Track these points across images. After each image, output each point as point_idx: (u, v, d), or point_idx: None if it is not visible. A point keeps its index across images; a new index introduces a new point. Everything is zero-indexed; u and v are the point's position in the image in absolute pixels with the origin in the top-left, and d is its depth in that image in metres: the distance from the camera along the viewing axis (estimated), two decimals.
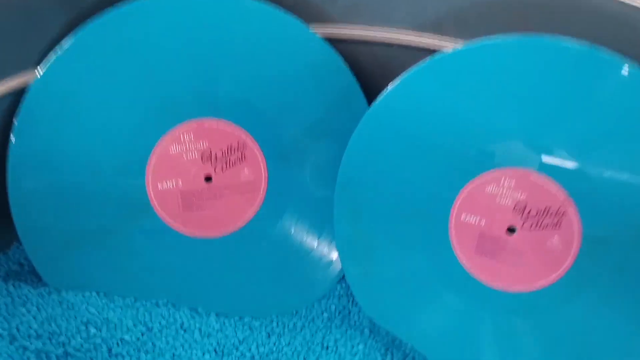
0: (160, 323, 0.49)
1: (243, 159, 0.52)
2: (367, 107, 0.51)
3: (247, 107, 0.51)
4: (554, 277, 0.47)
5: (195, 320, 0.50)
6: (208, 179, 0.52)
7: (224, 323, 0.51)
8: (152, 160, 0.50)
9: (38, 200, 0.49)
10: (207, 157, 0.51)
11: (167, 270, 0.52)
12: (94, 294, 0.50)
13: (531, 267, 0.47)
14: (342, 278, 0.56)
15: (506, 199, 0.47)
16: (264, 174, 0.52)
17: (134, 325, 0.48)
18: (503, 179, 0.47)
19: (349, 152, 0.50)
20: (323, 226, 0.54)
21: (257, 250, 0.53)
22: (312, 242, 0.54)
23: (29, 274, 0.53)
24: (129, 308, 0.49)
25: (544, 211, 0.46)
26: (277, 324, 0.52)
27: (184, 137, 0.50)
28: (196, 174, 0.51)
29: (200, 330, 0.49)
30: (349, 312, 0.54)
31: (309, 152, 0.53)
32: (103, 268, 0.51)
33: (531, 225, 0.47)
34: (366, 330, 0.52)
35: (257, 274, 0.54)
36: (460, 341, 0.50)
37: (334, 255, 0.55)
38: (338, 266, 0.55)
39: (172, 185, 0.51)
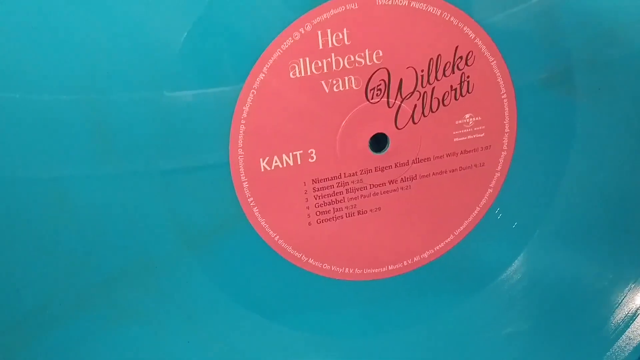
0: None
1: (464, 90, 0.21)
2: None
3: None
4: None
5: None
6: (378, 142, 0.21)
7: None
8: (247, 101, 0.20)
9: None
10: (378, 87, 0.20)
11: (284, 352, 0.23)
12: None
13: None
14: None
15: None
16: (508, 124, 0.22)
17: None
18: None
19: None
20: (627, 238, 0.24)
21: (467, 303, 0.24)
22: (598, 276, 0.24)
23: None
24: None
25: None
26: None
27: (326, 37, 0.19)
28: (349, 132, 0.21)
29: None
30: None
31: (613, 77, 0.22)
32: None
33: None
34: None
35: (486, 344, 0.24)
36: None
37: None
38: None
39: (292, 161, 0.21)
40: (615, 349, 0.25)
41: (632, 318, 0.24)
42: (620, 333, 0.25)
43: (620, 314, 0.24)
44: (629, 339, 0.25)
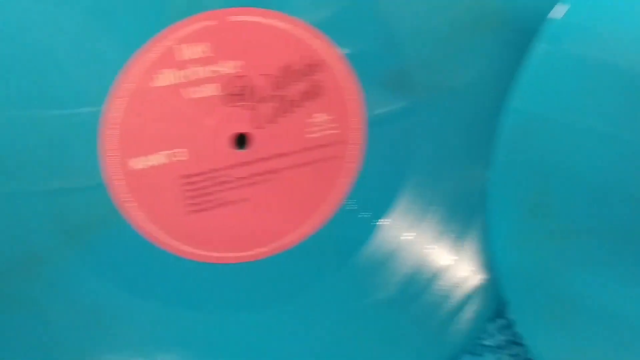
0: None
1: (314, 93, 0.24)
2: None
3: None
4: None
5: None
6: (241, 140, 0.24)
7: None
8: (116, 106, 0.22)
9: None
10: (237, 92, 0.23)
11: (158, 335, 0.25)
12: None
13: None
14: (497, 314, 0.30)
15: None
16: (356, 121, 0.25)
17: None
18: None
19: (523, 83, 0.24)
20: (468, 221, 0.28)
21: (331, 282, 0.27)
22: (443, 255, 0.28)
23: None
24: None
25: None
26: None
27: (184, 50, 0.22)
28: (215, 133, 0.23)
29: None
30: None
31: (449, 76, 0.25)
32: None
33: None
34: None
35: (336, 323, 0.27)
36: None
37: (480, 276, 0.29)
38: (488, 295, 0.29)
39: (163, 160, 0.23)
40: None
41: (469, 297, 0.28)
42: (458, 310, 0.29)
43: (459, 292, 0.28)
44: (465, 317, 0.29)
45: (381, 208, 0.26)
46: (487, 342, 0.30)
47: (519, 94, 0.24)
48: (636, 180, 0.25)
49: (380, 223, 0.26)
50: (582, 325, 0.27)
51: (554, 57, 0.24)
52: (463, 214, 0.28)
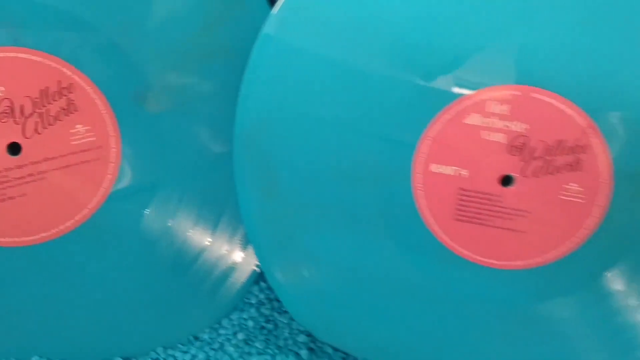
0: None
1: (71, 109, 0.31)
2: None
3: (66, 17, 0.30)
4: (573, 243, 0.32)
5: None
6: (14, 149, 0.31)
7: None
8: None
9: None
10: (6, 112, 0.30)
11: None
12: None
13: (539, 232, 0.32)
14: (259, 278, 0.38)
15: (496, 133, 0.31)
16: (112, 129, 0.32)
17: None
18: (490, 103, 0.30)
19: (248, 84, 0.32)
20: (221, 209, 0.35)
21: (113, 259, 0.34)
22: (202, 237, 0.35)
23: None
24: None
25: (556, 147, 0.30)
26: None
27: None
28: None
29: None
30: (276, 326, 0.37)
31: (186, 85, 0.33)
32: None
33: (536, 170, 0.31)
34: (304, 352, 0.35)
35: (117, 293, 0.34)
36: (442, 351, 0.34)
37: (240, 251, 0.36)
38: (250, 264, 0.36)
39: None
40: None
41: (234, 266, 0.36)
42: (226, 276, 0.36)
43: (224, 263, 0.36)
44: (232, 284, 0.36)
45: (144, 199, 0.33)
46: (251, 301, 0.37)
47: (246, 85, 0.31)
48: (346, 158, 0.32)
49: (145, 212, 0.33)
50: (321, 277, 0.34)
51: (273, 49, 0.31)
52: (218, 200, 0.35)
